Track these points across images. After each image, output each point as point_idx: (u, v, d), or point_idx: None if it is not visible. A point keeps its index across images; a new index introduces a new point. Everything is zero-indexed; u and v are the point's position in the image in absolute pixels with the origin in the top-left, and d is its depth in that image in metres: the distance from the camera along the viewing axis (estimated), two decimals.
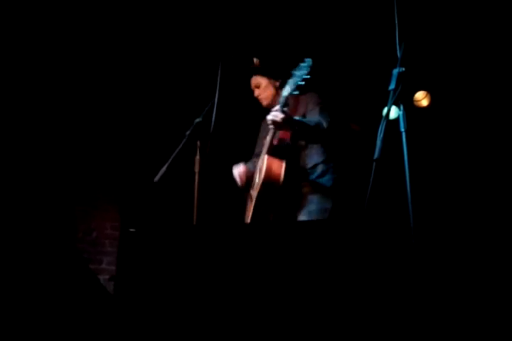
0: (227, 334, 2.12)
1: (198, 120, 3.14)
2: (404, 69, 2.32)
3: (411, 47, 2.39)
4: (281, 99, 2.96)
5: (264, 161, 3.00)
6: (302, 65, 2.91)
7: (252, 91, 3.36)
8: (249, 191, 3.32)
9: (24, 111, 4.21)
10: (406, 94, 2.33)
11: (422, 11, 3.47)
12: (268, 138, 3.09)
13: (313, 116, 3.08)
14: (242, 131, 4.71)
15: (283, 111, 2.91)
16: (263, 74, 3.30)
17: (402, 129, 2.31)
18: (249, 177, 3.27)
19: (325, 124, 3.01)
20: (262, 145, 3.36)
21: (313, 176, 3.09)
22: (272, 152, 3.03)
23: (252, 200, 3.18)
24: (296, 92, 2.92)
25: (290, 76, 2.94)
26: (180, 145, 3.07)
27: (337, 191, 3.08)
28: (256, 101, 3.41)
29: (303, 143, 3.11)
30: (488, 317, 2.58)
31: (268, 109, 3.26)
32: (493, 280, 3.11)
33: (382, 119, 2.29)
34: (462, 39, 4.00)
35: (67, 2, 4.05)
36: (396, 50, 2.41)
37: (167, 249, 2.35)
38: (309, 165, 3.10)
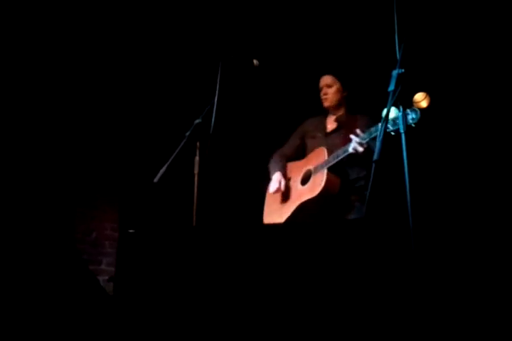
0: (226, 335, 2.12)
1: (197, 121, 3.13)
2: (403, 70, 2.32)
3: (410, 48, 2.39)
4: (367, 136, 2.96)
5: (322, 176, 3.08)
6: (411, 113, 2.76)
7: (319, 90, 3.44)
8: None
9: (24, 111, 4.21)
10: (405, 95, 2.33)
11: (421, 12, 3.48)
12: (325, 150, 3.18)
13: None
14: (242, 132, 4.72)
15: (366, 144, 2.97)
16: (339, 78, 3.42)
17: (402, 130, 2.31)
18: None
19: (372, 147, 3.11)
20: (301, 140, 3.51)
21: (355, 186, 3.19)
22: (332, 168, 3.10)
23: (283, 202, 3.31)
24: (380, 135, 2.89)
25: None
26: (180, 146, 3.07)
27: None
28: (256, 101, 3.42)
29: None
30: (488, 317, 2.58)
31: (325, 110, 3.46)
32: (492, 281, 3.11)
33: (382, 120, 2.30)
34: (462, 40, 4.00)
35: (67, 2, 4.06)
36: (395, 52, 2.41)
37: (166, 250, 2.35)
38: (352, 177, 3.19)
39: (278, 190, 3.35)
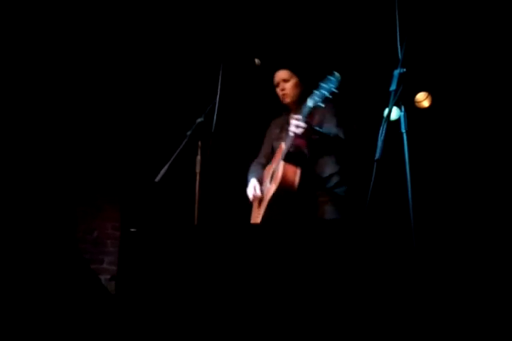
0: (227, 334, 2.13)
1: (199, 120, 3.13)
2: (405, 70, 2.32)
3: (412, 48, 2.39)
4: (306, 109, 2.95)
5: (279, 167, 3.01)
6: (331, 78, 2.89)
7: (275, 85, 3.33)
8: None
9: (25, 111, 4.21)
10: (407, 95, 2.33)
11: (423, 11, 3.47)
12: (284, 144, 3.09)
13: (331, 127, 3.09)
14: (244, 132, 4.72)
15: (306, 122, 2.92)
16: (295, 72, 3.26)
17: (403, 130, 2.31)
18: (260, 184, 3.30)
19: (342, 136, 3.04)
20: (271, 145, 3.39)
21: (328, 186, 3.09)
22: (288, 158, 3.03)
23: (260, 205, 3.21)
24: (322, 105, 2.91)
25: (317, 87, 2.93)
26: (182, 145, 3.07)
27: (350, 203, 3.08)
28: (258, 100, 3.41)
29: (318, 152, 3.12)
30: (488, 316, 2.58)
31: (286, 107, 3.34)
32: (493, 281, 3.11)
33: (384, 120, 2.30)
34: (463, 40, 4.00)
35: (67, 2, 4.06)
36: (397, 51, 2.41)
37: (168, 249, 2.35)
38: (324, 175, 3.09)
39: (254, 195, 3.28)
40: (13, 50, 4.07)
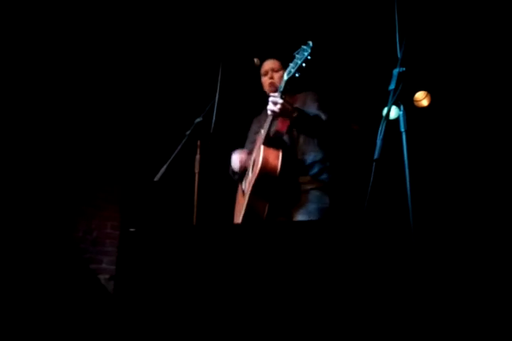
0: (227, 334, 2.13)
1: (198, 120, 3.13)
2: (404, 69, 2.32)
3: (411, 47, 2.39)
4: (282, 84, 2.91)
5: (260, 152, 2.91)
6: (304, 47, 2.89)
7: (259, 76, 3.30)
8: (240, 185, 3.27)
9: (26, 111, 4.21)
10: (406, 94, 2.33)
11: (422, 10, 3.47)
12: (263, 130, 3.01)
13: (312, 111, 3.04)
14: (243, 131, 4.71)
15: (283, 98, 2.88)
16: (284, 64, 3.18)
17: (402, 129, 2.31)
18: (244, 168, 3.18)
19: (323, 117, 2.99)
20: (254, 141, 3.29)
21: (311, 173, 3.02)
22: (269, 143, 2.95)
23: (244, 195, 3.10)
24: (297, 74, 2.86)
25: (292, 58, 2.91)
26: (181, 145, 3.07)
27: (334, 191, 3.04)
28: (256, 100, 3.41)
29: (300, 138, 3.06)
30: (488, 316, 2.58)
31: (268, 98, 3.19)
32: (492, 279, 3.11)
33: (383, 119, 2.29)
34: (462, 39, 4.00)
35: (67, 2, 4.06)
36: (396, 50, 2.40)
37: (167, 249, 2.35)
38: (307, 162, 3.03)
39: (240, 171, 3.18)
40: (13, 50, 4.07)
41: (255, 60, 3.25)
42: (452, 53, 4.07)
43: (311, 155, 3.03)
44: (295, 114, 2.91)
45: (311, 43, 2.88)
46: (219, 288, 2.19)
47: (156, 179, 2.97)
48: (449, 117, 4.21)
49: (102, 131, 4.71)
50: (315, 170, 3.03)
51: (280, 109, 2.88)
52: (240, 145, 4.71)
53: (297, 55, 2.90)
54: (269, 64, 3.28)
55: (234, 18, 4.28)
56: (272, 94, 2.94)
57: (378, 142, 2.23)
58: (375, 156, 2.19)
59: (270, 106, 2.90)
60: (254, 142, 3.30)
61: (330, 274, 2.12)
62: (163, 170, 2.98)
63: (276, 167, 2.88)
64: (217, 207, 4.05)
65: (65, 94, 4.46)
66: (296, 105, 3.06)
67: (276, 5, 4.19)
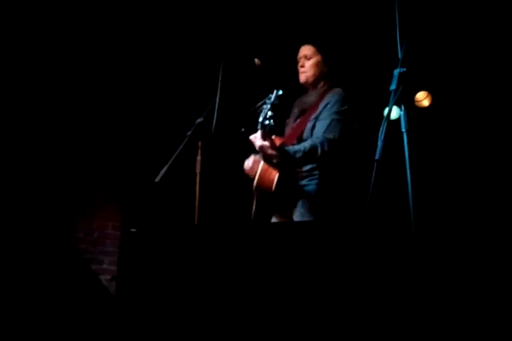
0: (228, 334, 2.13)
1: (199, 120, 3.13)
2: (405, 69, 2.32)
3: (412, 47, 2.39)
4: (258, 126, 2.78)
5: (259, 166, 2.92)
6: (271, 95, 2.76)
7: (296, 62, 3.14)
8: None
9: (26, 111, 4.22)
10: (407, 94, 2.33)
11: (423, 11, 3.47)
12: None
13: (318, 132, 2.92)
14: (244, 132, 4.71)
15: (265, 138, 2.75)
16: (320, 51, 3.05)
17: (403, 129, 2.31)
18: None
19: (326, 147, 2.83)
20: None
21: (310, 178, 2.99)
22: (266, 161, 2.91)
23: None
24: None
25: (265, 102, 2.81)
26: (182, 145, 3.07)
27: (329, 195, 2.98)
28: (257, 100, 3.41)
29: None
30: (488, 316, 2.58)
31: (303, 87, 3.14)
32: (493, 280, 3.11)
33: (384, 120, 2.30)
34: (463, 39, 4.00)
35: (67, 2, 4.06)
36: (397, 51, 2.41)
37: (168, 249, 2.35)
38: (305, 168, 2.97)
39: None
40: (13, 50, 4.07)
41: (256, 60, 3.25)
42: (453, 53, 4.07)
43: (308, 165, 2.97)
44: (276, 160, 2.79)
45: (277, 92, 2.74)
46: (221, 287, 2.19)
47: (157, 179, 2.97)
48: (450, 117, 4.21)
49: (103, 131, 4.71)
50: (314, 175, 2.98)
51: (261, 153, 2.81)
52: (239, 145, 4.71)
53: (264, 106, 2.77)
54: (303, 50, 3.10)
55: (234, 18, 4.28)
56: (257, 133, 2.80)
57: (379, 142, 2.23)
58: (376, 156, 2.19)
59: (252, 138, 2.83)
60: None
61: (331, 274, 2.13)
62: (164, 170, 2.98)
63: (272, 184, 2.84)
64: (218, 208, 4.05)
65: (66, 94, 4.46)
66: (319, 105, 2.94)
67: (276, 5, 4.19)
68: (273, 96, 2.76)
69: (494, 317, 2.61)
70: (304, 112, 3.08)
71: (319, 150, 2.82)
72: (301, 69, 3.09)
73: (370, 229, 2.19)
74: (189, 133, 3.11)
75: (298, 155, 2.81)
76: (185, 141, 3.09)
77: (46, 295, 2.49)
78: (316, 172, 2.97)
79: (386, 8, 2.63)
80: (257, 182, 2.90)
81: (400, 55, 2.38)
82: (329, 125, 2.91)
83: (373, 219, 2.20)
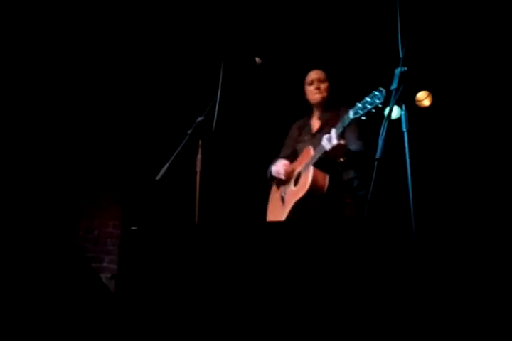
0: (227, 334, 2.13)
1: (199, 119, 3.13)
2: (406, 68, 2.32)
3: (413, 46, 2.39)
4: (346, 121, 2.90)
5: (309, 173, 3.05)
6: (376, 93, 2.78)
7: (308, 84, 3.39)
8: (278, 190, 3.40)
9: (27, 111, 4.22)
10: (408, 93, 2.33)
11: (424, 10, 3.47)
12: (312, 149, 3.14)
13: (353, 139, 3.14)
14: (244, 130, 4.72)
15: (339, 138, 2.92)
16: (329, 77, 3.38)
17: (404, 129, 2.31)
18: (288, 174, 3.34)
19: (364, 149, 3.11)
20: (291, 146, 3.46)
21: (352, 188, 3.16)
22: (318, 164, 3.06)
23: (284, 203, 3.27)
24: (364, 118, 2.84)
25: (360, 99, 2.86)
26: (182, 144, 3.07)
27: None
28: (258, 99, 3.41)
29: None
30: (488, 316, 2.58)
31: (310, 106, 3.43)
32: (493, 280, 3.11)
33: (384, 119, 2.30)
34: (464, 39, 3.99)
35: (67, 2, 4.06)
36: (398, 50, 2.41)
37: (169, 248, 2.35)
38: (346, 179, 3.15)
39: (281, 173, 3.32)
40: (13, 50, 4.07)
41: (257, 58, 3.25)
42: (454, 53, 4.07)
43: (350, 172, 3.16)
44: (342, 159, 3.01)
45: (384, 92, 2.77)
46: (220, 286, 2.19)
47: (157, 178, 2.97)
48: (451, 117, 4.21)
49: (104, 130, 4.72)
50: (354, 185, 3.16)
51: (330, 150, 2.94)
52: (240, 143, 4.72)
53: (368, 99, 2.82)
54: (315, 74, 3.40)
55: (235, 17, 4.28)
56: (333, 130, 2.96)
57: (380, 142, 2.23)
58: (377, 156, 2.20)
59: (324, 141, 2.96)
60: (292, 149, 3.47)
61: (331, 274, 2.13)
62: (164, 169, 2.98)
63: (323, 188, 3.04)
64: (218, 206, 4.05)
65: (67, 94, 4.46)
66: (334, 121, 3.10)
67: (277, 4, 4.19)
68: (381, 96, 2.76)
69: (494, 317, 2.61)
70: (325, 127, 3.28)
71: (362, 151, 3.12)
72: (315, 91, 3.37)
73: (370, 227, 2.19)
74: (190, 131, 3.11)
75: (359, 156, 3.09)
76: (185, 139, 3.09)
77: (47, 293, 2.49)
78: (355, 183, 3.17)
79: (388, 8, 2.63)
80: (310, 187, 3.02)
81: (401, 55, 2.38)
82: (359, 135, 3.19)
83: (374, 218, 2.20)
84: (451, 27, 3.93)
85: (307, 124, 3.44)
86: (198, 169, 3.05)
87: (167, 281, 2.28)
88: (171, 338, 2.18)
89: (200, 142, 3.10)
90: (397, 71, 2.32)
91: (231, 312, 2.15)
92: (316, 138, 3.26)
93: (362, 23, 4.15)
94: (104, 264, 4.58)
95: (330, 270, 2.13)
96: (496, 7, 3.72)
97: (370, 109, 2.78)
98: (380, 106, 2.76)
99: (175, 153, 3.04)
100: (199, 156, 3.07)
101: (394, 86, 2.32)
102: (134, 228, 2.47)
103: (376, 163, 2.20)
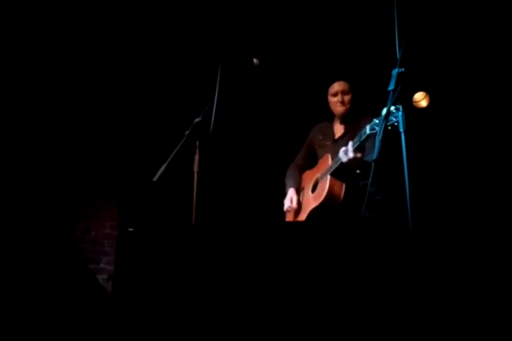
0: (226, 334, 2.12)
1: (197, 120, 3.12)
2: (403, 69, 2.32)
3: (410, 47, 2.39)
4: (362, 135, 2.89)
5: (326, 182, 3.09)
6: (393, 110, 2.68)
7: (332, 95, 3.38)
8: (293, 191, 3.46)
9: (25, 111, 4.21)
10: (405, 94, 2.33)
11: (421, 11, 3.47)
12: (330, 158, 3.18)
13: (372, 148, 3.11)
14: (242, 131, 4.71)
15: (355, 151, 2.92)
16: (352, 89, 3.36)
17: (401, 130, 2.31)
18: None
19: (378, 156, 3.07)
20: (311, 149, 3.52)
21: (367, 193, 3.13)
22: (335, 174, 3.09)
23: (302, 208, 3.34)
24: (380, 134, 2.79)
25: (378, 115, 2.78)
26: (180, 144, 3.07)
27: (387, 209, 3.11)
28: (256, 100, 3.40)
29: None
30: (488, 317, 2.58)
31: (331, 115, 3.43)
32: (492, 282, 3.11)
33: (381, 120, 2.30)
34: (462, 39, 4.00)
35: (67, 2, 4.06)
36: (395, 51, 2.41)
37: (165, 249, 2.35)
38: (360, 185, 3.12)
39: (290, 207, 3.40)
40: (13, 50, 4.07)
41: (254, 60, 3.25)
42: (451, 54, 4.07)
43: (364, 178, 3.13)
44: (358, 171, 2.99)
45: (400, 108, 2.79)
46: (217, 287, 2.19)
47: (154, 179, 2.96)
48: (448, 118, 4.21)
49: (101, 131, 4.71)
50: (369, 191, 3.12)
51: (346, 162, 2.95)
52: (237, 145, 4.72)
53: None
54: (339, 85, 3.37)
55: (233, 18, 4.28)
56: (350, 143, 2.96)
57: (377, 142, 2.23)
58: (374, 157, 2.20)
59: (341, 154, 2.97)
60: (312, 151, 3.52)
61: (329, 275, 2.12)
62: (162, 170, 2.97)
63: (339, 198, 3.08)
64: (216, 207, 4.04)
65: (65, 94, 4.45)
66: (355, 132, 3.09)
67: (275, 5, 4.19)
68: (398, 114, 2.71)
69: (494, 317, 2.61)
70: (346, 134, 3.30)
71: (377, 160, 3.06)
72: (339, 103, 3.35)
73: (367, 228, 2.19)
74: (187, 132, 3.10)
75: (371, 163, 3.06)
76: (183, 140, 3.08)
77: (44, 293, 2.48)
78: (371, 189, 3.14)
79: (385, 8, 2.63)
80: (325, 197, 3.07)
81: (398, 55, 2.37)
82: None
83: (371, 219, 2.20)
84: (448, 28, 3.93)
85: (330, 129, 3.45)
86: (196, 170, 3.04)
87: (164, 282, 2.27)
88: (168, 339, 2.18)
89: (197, 143, 3.10)
90: (395, 72, 2.32)
91: (228, 313, 2.15)
92: (337, 145, 3.28)
93: (359, 24, 4.15)
94: (102, 265, 4.57)
95: (328, 272, 2.13)
96: (494, 8, 3.73)
97: (387, 126, 2.72)
98: (396, 124, 2.62)
99: (172, 154, 3.04)
100: (196, 157, 3.07)
101: (391, 87, 2.32)
102: (130, 229, 2.46)
103: (373, 163, 2.20)
